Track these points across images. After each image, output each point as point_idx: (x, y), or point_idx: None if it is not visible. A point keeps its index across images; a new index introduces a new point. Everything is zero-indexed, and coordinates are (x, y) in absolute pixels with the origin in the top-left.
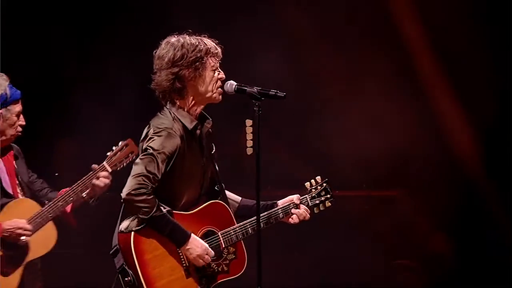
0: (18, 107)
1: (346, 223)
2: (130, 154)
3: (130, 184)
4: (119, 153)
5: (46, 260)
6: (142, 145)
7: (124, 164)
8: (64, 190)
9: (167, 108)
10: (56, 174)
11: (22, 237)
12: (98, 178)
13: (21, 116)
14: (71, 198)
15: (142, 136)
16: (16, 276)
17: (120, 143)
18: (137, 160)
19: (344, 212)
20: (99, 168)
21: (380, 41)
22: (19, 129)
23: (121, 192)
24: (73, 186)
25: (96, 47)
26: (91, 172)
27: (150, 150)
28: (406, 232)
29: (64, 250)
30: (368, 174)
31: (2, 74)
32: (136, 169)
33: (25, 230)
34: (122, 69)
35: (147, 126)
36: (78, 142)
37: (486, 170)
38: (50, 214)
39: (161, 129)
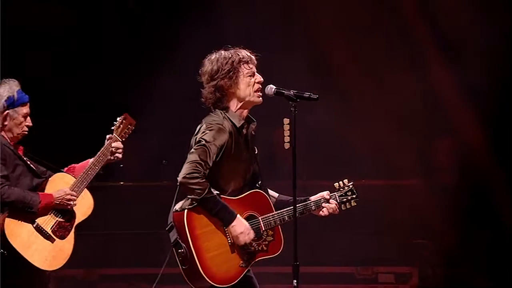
0: (25, 109)
1: (370, 208)
2: (129, 126)
3: (185, 170)
4: (121, 126)
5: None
6: (195, 138)
7: (128, 134)
8: (87, 161)
9: (218, 110)
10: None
11: (71, 202)
12: (113, 147)
13: (28, 118)
14: (97, 167)
15: (196, 131)
16: (71, 238)
17: (118, 118)
18: (192, 150)
19: (367, 199)
20: (112, 138)
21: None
22: (25, 129)
23: (177, 177)
24: (96, 156)
25: (149, 56)
26: (108, 143)
27: (203, 141)
28: (422, 216)
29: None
30: (387, 165)
31: (14, 80)
32: (191, 157)
33: (72, 195)
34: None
35: (200, 124)
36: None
37: (494, 159)
38: (84, 182)
39: (212, 125)
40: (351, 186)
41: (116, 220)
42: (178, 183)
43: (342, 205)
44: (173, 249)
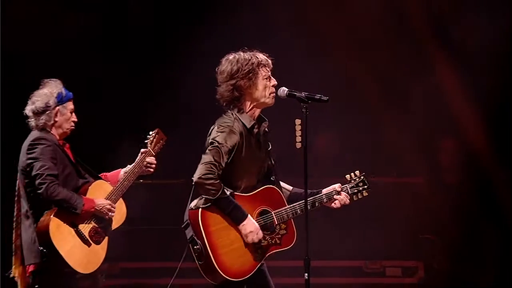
0: (71, 105)
1: (379, 205)
2: (161, 140)
3: (200, 171)
4: (154, 140)
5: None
6: (208, 139)
7: (160, 149)
8: (118, 170)
9: (230, 111)
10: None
11: (110, 212)
12: (147, 161)
13: (73, 113)
14: (132, 178)
15: (209, 132)
16: (104, 244)
17: (151, 132)
18: (206, 151)
19: (377, 195)
20: (146, 152)
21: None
22: (72, 124)
23: (192, 177)
24: (131, 168)
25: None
26: (142, 156)
27: (215, 143)
28: (428, 212)
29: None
30: (397, 163)
31: (56, 79)
32: (205, 158)
33: (112, 206)
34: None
35: (213, 125)
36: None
37: (497, 158)
38: (120, 191)
39: (224, 127)
40: (362, 177)
41: (135, 216)
42: (193, 183)
43: (354, 195)
44: (189, 245)
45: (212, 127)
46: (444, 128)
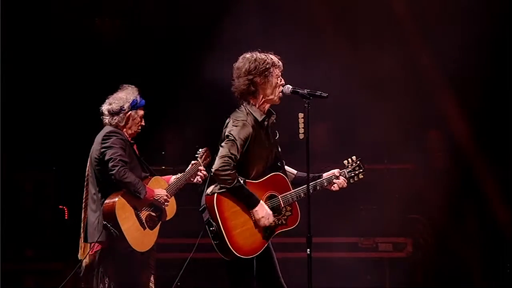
0: (142, 112)
1: (372, 189)
2: (208, 158)
3: (218, 163)
4: (203, 156)
5: None
6: (224, 132)
7: (206, 164)
8: (169, 176)
9: (243, 106)
10: (163, 152)
11: (166, 203)
12: (200, 171)
13: (143, 119)
14: (182, 183)
15: (225, 125)
16: (156, 230)
17: (200, 150)
18: (222, 144)
19: (370, 181)
20: (196, 164)
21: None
22: (139, 128)
23: (212, 168)
24: (183, 174)
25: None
26: (193, 166)
27: (231, 136)
28: (416, 194)
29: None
30: (387, 151)
31: (133, 86)
32: (222, 151)
33: (168, 197)
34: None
35: (228, 118)
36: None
37: (478, 147)
38: (173, 191)
39: (238, 121)
40: (358, 162)
41: None
42: (212, 174)
43: (351, 179)
44: (206, 227)
45: (227, 121)
46: (431, 120)
